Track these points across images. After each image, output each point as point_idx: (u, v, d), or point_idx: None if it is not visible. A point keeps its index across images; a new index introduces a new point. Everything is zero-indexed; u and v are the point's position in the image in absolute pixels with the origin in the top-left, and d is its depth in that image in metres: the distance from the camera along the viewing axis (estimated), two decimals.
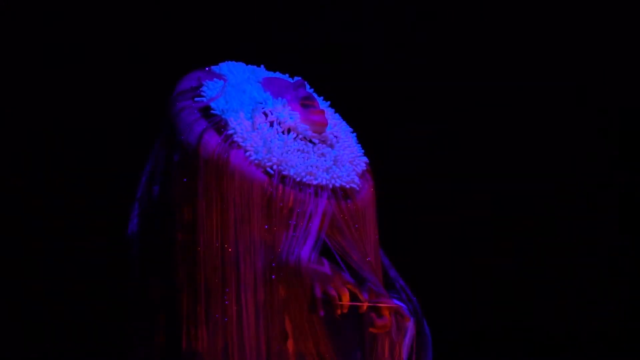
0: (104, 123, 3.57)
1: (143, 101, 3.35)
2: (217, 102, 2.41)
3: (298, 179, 2.36)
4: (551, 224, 3.97)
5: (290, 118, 2.43)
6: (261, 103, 2.44)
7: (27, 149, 3.53)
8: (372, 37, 3.88)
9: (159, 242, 2.38)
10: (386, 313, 2.37)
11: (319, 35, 3.83)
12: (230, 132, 2.36)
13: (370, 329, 2.38)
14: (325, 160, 2.43)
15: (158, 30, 3.62)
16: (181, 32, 3.64)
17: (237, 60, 2.60)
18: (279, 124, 2.42)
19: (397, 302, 2.43)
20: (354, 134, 2.59)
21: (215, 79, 2.48)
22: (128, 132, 3.51)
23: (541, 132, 3.94)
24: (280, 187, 2.34)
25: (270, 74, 2.60)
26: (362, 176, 2.50)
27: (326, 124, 2.49)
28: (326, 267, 2.30)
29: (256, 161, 2.35)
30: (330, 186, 2.40)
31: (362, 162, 2.53)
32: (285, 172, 2.35)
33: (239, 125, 2.38)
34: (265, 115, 2.42)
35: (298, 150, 2.40)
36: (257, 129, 2.39)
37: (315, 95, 2.57)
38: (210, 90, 2.44)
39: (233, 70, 2.54)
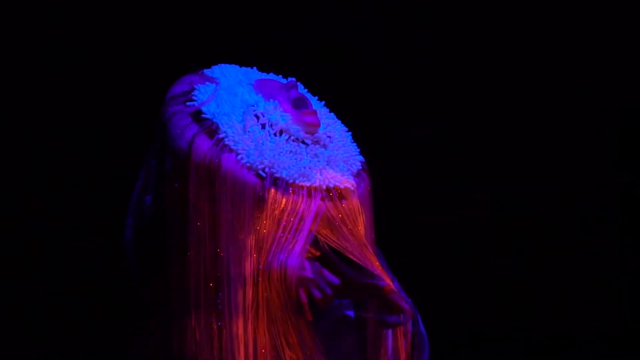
0: (104, 123, 3.58)
1: (143, 101, 3.34)
2: (209, 106, 2.40)
3: (291, 181, 2.35)
4: (551, 224, 3.96)
5: (282, 120, 2.42)
6: (253, 105, 2.42)
7: (27, 149, 3.54)
8: (372, 37, 3.87)
9: (153, 247, 2.38)
10: (402, 306, 2.36)
11: (318, 35, 3.83)
12: (222, 135, 2.35)
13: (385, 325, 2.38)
14: (318, 161, 2.41)
15: (158, 30, 3.62)
16: (181, 32, 3.64)
17: (237, 61, 2.60)
18: (271, 126, 2.41)
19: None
20: (349, 133, 2.56)
21: (207, 83, 2.47)
22: (128, 132, 3.51)
23: (541, 132, 3.94)
24: (273, 189, 2.33)
25: (263, 75, 2.59)
26: (357, 175, 2.48)
27: (319, 125, 2.47)
28: (308, 271, 2.29)
29: (248, 164, 2.33)
30: (324, 187, 2.39)
31: (357, 162, 2.51)
32: (277, 175, 2.34)
33: (231, 128, 2.36)
34: (257, 117, 2.41)
35: (290, 152, 2.39)
36: (249, 131, 2.37)
37: (309, 95, 2.56)
38: (202, 94, 2.43)
39: (225, 73, 2.52)
